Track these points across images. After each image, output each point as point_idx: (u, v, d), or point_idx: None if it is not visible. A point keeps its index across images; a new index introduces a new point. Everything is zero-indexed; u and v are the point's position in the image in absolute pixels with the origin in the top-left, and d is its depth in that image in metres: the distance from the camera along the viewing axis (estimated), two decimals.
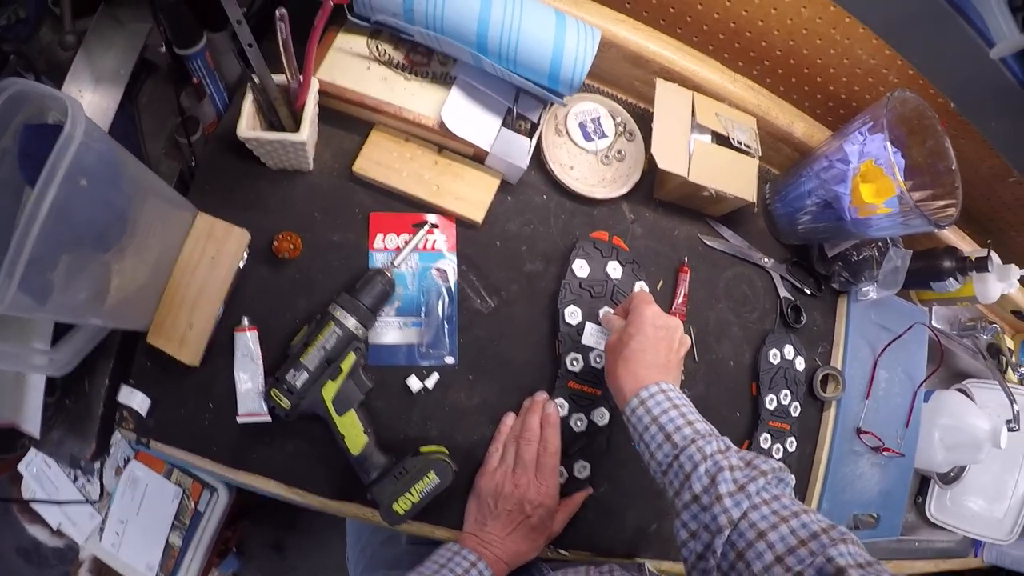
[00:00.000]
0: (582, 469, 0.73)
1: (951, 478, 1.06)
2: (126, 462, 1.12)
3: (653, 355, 0.62)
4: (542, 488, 0.66)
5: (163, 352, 0.65)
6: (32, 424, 0.65)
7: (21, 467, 1.09)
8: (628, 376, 0.61)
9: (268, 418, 0.66)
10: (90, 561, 1.24)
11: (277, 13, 0.49)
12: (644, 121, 0.81)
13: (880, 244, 0.87)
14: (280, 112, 0.63)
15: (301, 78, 0.61)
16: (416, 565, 0.62)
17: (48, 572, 1.54)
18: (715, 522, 0.48)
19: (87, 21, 0.60)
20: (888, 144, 0.69)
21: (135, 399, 0.66)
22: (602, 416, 0.74)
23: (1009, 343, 1.17)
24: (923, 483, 1.08)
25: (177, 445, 0.67)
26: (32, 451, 0.92)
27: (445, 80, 0.72)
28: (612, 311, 0.73)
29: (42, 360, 0.56)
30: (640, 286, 0.77)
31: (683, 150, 0.76)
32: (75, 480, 1.07)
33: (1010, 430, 0.95)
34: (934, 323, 1.04)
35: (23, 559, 1.58)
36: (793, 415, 0.85)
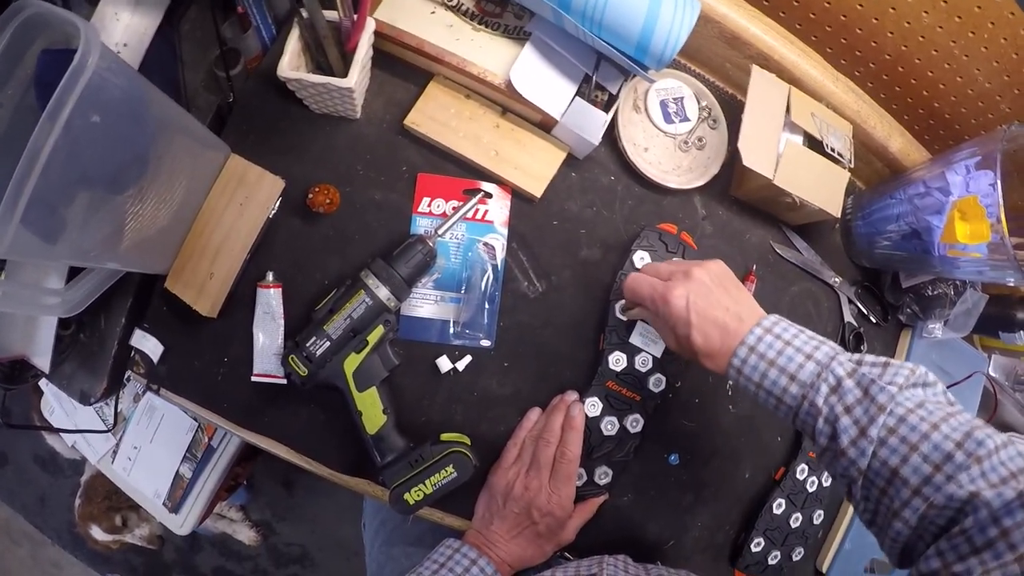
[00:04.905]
0: (603, 475, 0.68)
1: None
2: (145, 389, 1.11)
3: (720, 314, 0.53)
4: (553, 497, 0.61)
5: (180, 299, 0.61)
6: (42, 358, 0.62)
7: (41, 382, 1.08)
8: (713, 356, 0.54)
9: (284, 380, 0.62)
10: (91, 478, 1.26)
11: None
12: (730, 108, 0.72)
13: (958, 283, 0.79)
14: (329, 53, 0.56)
15: (355, 16, 0.55)
16: (423, 559, 0.59)
17: (63, 481, 1.59)
18: (846, 473, 0.49)
19: None
20: (999, 184, 0.60)
21: (148, 344, 0.62)
22: (635, 423, 0.68)
23: None
24: None
25: (187, 396, 0.65)
26: None
27: (518, 35, 0.64)
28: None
29: (53, 300, 0.52)
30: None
31: (772, 149, 0.67)
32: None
33: None
34: (991, 371, 0.96)
35: (39, 466, 1.62)
36: None
